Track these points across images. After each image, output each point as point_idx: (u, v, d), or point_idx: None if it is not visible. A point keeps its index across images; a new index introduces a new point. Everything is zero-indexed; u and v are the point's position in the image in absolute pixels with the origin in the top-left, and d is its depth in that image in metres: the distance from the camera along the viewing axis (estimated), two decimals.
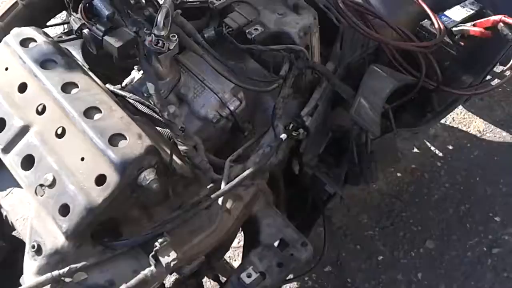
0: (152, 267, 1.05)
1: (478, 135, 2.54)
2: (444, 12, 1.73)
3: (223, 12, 1.44)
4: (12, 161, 1.12)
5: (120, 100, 1.26)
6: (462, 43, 1.67)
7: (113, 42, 1.19)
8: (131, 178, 1.03)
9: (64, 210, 1.03)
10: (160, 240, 1.05)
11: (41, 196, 1.06)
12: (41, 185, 1.06)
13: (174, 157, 1.18)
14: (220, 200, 1.19)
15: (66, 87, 1.13)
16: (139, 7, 1.33)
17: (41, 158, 1.09)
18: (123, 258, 1.08)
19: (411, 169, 2.40)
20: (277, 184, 1.53)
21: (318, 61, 1.53)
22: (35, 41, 1.22)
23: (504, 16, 1.62)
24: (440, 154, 2.47)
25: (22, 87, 1.17)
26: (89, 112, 1.09)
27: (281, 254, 1.30)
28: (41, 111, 1.13)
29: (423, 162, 2.43)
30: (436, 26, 1.63)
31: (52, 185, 1.06)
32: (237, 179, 1.19)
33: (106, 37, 1.20)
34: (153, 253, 1.04)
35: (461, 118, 2.62)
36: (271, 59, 1.43)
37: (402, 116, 1.82)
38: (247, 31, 1.37)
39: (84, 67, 1.26)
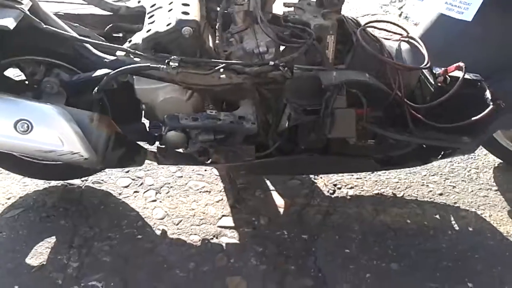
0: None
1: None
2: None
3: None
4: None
5: None
6: (439, 83, 2.27)
7: None
8: (180, 26, 2.13)
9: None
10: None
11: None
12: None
13: (210, 41, 2.25)
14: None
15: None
16: None
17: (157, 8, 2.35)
18: None
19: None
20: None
21: (331, 56, 2.39)
22: None
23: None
24: None
25: None
26: (185, 2, 2.28)
27: (234, 116, 2.19)
28: (170, 3, 2.37)
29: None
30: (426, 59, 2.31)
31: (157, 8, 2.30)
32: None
33: None
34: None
35: None
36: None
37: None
38: (288, 15, 2.39)
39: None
